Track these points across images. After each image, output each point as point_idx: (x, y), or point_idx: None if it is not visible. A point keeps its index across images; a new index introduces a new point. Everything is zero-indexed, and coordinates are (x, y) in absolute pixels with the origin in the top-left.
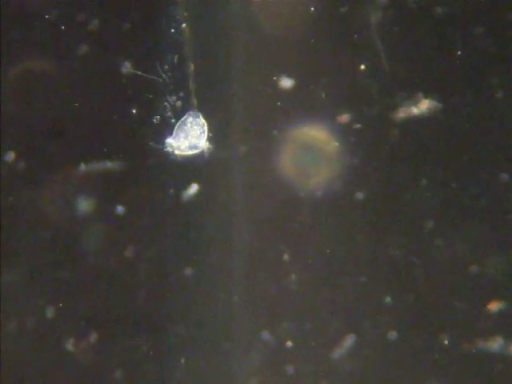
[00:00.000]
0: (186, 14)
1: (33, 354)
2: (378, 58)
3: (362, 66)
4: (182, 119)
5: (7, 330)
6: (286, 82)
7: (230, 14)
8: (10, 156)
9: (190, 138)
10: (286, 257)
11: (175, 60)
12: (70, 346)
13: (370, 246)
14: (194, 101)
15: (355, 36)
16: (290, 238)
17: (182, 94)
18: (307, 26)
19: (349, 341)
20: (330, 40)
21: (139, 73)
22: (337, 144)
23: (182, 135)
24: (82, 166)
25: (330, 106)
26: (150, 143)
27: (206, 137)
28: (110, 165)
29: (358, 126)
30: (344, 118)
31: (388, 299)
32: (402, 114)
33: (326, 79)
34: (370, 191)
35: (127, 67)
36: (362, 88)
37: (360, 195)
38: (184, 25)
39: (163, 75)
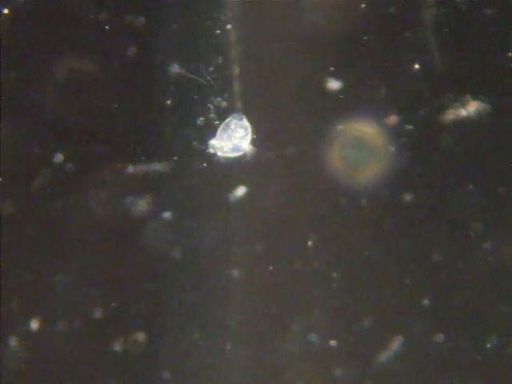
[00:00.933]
0: (230, 15)
1: (82, 354)
2: (430, 58)
3: (416, 66)
4: (226, 121)
5: (58, 331)
6: (334, 84)
7: (277, 14)
8: (59, 158)
9: (233, 140)
10: (331, 258)
11: (220, 61)
12: (118, 346)
13: (417, 248)
14: (238, 103)
15: (408, 35)
16: (337, 240)
17: (226, 95)
18: (358, 26)
19: (395, 343)
20: (380, 40)
21: (186, 73)
22: (386, 146)
23: (225, 137)
24: (130, 168)
25: (379, 107)
26: (194, 143)
27: (249, 139)
28: (157, 166)
29: (409, 127)
30: (392, 119)
31: (434, 302)
32: (450, 115)
33: (375, 80)
34: (417, 193)
35: (175, 68)
36: (411, 89)
37: (408, 197)
38: (229, 26)
39: (208, 77)
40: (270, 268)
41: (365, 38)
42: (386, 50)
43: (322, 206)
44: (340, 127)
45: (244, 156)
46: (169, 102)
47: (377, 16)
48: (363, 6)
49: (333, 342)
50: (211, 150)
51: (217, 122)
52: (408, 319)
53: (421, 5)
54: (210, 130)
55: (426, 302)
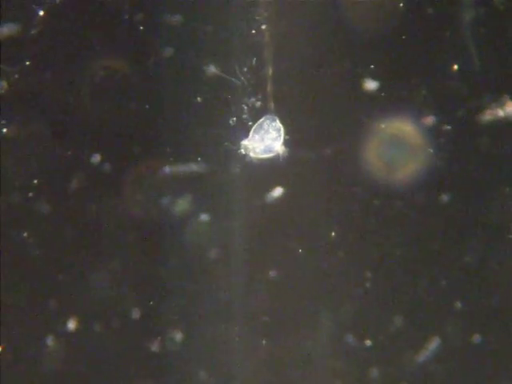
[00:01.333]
0: (265, 14)
1: (119, 353)
2: (468, 58)
3: (455, 66)
4: (259, 122)
5: (94, 331)
6: (371, 84)
7: (312, 14)
8: (96, 158)
9: (266, 141)
10: (367, 258)
11: (254, 62)
12: (155, 346)
13: (453, 249)
14: (271, 104)
15: (446, 35)
16: (372, 240)
17: (259, 96)
18: (395, 25)
19: (432, 344)
20: (418, 39)
21: (220, 73)
22: (424, 146)
23: (257, 138)
24: (166, 168)
25: (416, 107)
26: (226, 143)
27: (281, 140)
28: (193, 167)
29: (447, 127)
30: (428, 119)
31: (471, 303)
32: (487, 116)
33: (413, 80)
34: (453, 194)
35: (209, 68)
36: (449, 89)
37: (444, 198)
38: (263, 26)
39: (241, 77)
40: (306, 268)
41: (402, 37)
42: (423, 50)
43: (357, 206)
44: (376, 128)
45: (276, 157)
46: (202, 101)
47: (414, 16)
48: (401, 5)
49: (368, 342)
50: (243, 151)
51: (250, 123)
52: (444, 320)
53: (459, 5)
54: (243, 131)
55: (462, 302)
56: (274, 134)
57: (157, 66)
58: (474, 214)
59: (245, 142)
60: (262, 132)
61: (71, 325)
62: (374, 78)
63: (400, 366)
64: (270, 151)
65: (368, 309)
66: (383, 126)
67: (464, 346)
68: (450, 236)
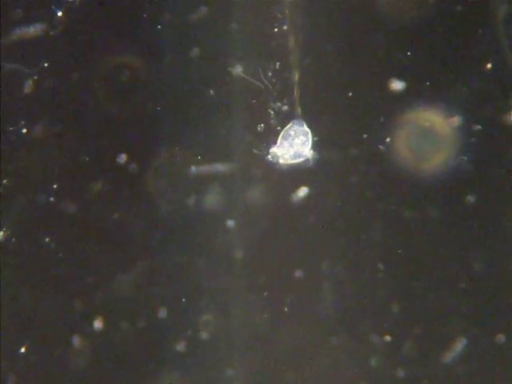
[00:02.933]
0: (289, 15)
1: (145, 354)
2: (502, 56)
3: (489, 65)
4: (286, 128)
5: (120, 330)
6: (397, 84)
7: (337, 14)
8: (122, 158)
9: (295, 146)
10: (391, 258)
11: (278, 66)
12: (181, 347)
13: (479, 249)
14: (298, 109)
15: (479, 32)
16: (398, 240)
17: (285, 100)
18: (425, 23)
19: (458, 344)
20: (449, 37)
21: (246, 77)
22: (452, 147)
23: (286, 144)
24: (193, 169)
25: (445, 107)
26: (255, 150)
27: (310, 145)
28: (220, 167)
29: (478, 127)
30: (454, 120)
31: (495, 303)
32: None
33: (442, 80)
34: (480, 195)
35: (237, 70)
36: (480, 88)
37: (471, 199)
38: (287, 27)
39: (266, 82)
40: (334, 268)
41: (432, 35)
42: (454, 48)
43: (384, 207)
44: (403, 128)
45: (306, 162)
46: (229, 105)
47: (445, 12)
48: (431, 1)
49: (394, 343)
50: (272, 158)
51: (278, 128)
52: (469, 320)
53: (492, 1)
54: (270, 136)
55: (486, 302)
56: (302, 138)
57: (183, 69)
58: (500, 216)
59: (274, 149)
60: (290, 138)
61: (97, 325)
62: (402, 78)
63: (424, 367)
64: (300, 156)
65: (391, 309)
66: (410, 126)
67: (488, 346)
68: (474, 237)
